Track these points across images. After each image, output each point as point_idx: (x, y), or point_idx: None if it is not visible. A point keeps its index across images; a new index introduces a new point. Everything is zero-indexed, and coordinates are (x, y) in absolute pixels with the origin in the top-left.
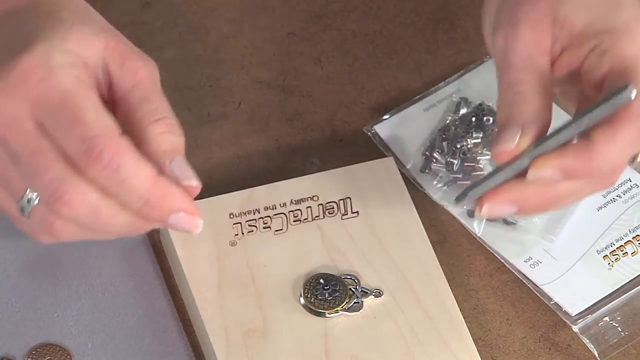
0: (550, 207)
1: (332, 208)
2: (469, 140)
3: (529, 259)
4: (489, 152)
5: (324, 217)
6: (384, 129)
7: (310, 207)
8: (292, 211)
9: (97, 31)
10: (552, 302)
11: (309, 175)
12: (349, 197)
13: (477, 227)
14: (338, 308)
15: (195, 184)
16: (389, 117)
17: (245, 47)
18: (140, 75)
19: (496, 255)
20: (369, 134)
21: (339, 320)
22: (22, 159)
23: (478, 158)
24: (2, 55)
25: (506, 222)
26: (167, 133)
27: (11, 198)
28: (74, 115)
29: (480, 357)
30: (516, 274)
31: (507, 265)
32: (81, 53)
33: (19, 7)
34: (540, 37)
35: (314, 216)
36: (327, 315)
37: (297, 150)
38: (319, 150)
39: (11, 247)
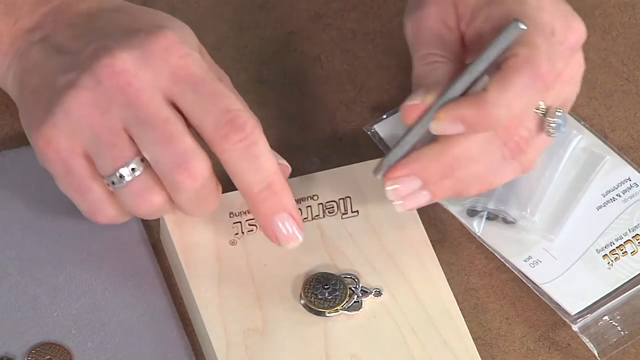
0: (456, 181)
1: (332, 207)
2: None
3: (528, 258)
4: None
5: (323, 216)
6: (383, 128)
7: (310, 206)
8: None
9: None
10: (551, 301)
11: (308, 175)
12: (348, 197)
13: (477, 227)
14: (338, 307)
15: (287, 164)
16: (389, 116)
17: (245, 46)
18: (225, 76)
19: (496, 254)
20: (368, 133)
21: (339, 319)
22: (151, 125)
23: None
24: (123, 35)
25: (506, 221)
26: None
27: (102, 166)
28: (217, 89)
29: (480, 356)
30: (516, 273)
31: (506, 264)
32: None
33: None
34: (445, 15)
35: (313, 215)
36: (327, 315)
37: (297, 150)
38: (318, 149)
39: (11, 246)
